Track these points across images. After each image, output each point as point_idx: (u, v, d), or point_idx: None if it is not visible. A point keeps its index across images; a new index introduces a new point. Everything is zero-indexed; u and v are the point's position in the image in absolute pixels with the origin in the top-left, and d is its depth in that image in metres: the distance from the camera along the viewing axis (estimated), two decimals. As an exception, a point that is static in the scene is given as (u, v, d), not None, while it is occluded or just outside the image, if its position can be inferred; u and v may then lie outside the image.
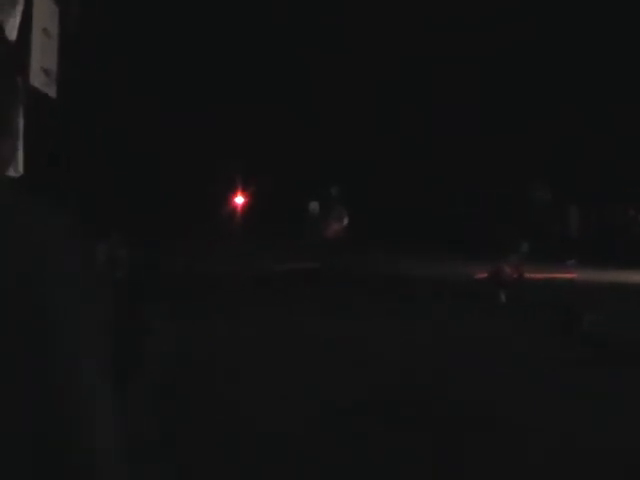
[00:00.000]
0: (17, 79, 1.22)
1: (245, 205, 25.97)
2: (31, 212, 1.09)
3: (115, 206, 19.10)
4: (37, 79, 9.01)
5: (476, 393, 7.09)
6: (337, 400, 6.71)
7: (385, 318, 10.98)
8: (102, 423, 1.07)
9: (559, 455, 5.54)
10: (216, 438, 5.63)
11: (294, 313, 11.44)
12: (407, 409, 6.66)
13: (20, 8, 7.46)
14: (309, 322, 10.68)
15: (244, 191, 25.98)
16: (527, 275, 13.49)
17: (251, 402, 6.61)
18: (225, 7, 25.37)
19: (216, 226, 22.79)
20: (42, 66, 9.11)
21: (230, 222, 24.84)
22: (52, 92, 9.65)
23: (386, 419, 6.34)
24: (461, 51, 25.25)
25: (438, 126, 25.59)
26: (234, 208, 25.89)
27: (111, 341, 1.14)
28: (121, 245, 10.41)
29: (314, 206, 18.87)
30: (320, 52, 25.41)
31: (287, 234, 20.84)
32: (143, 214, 19.83)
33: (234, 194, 25.88)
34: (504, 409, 6.56)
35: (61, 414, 1.04)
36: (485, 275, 13.86)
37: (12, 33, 7.08)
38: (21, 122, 1.24)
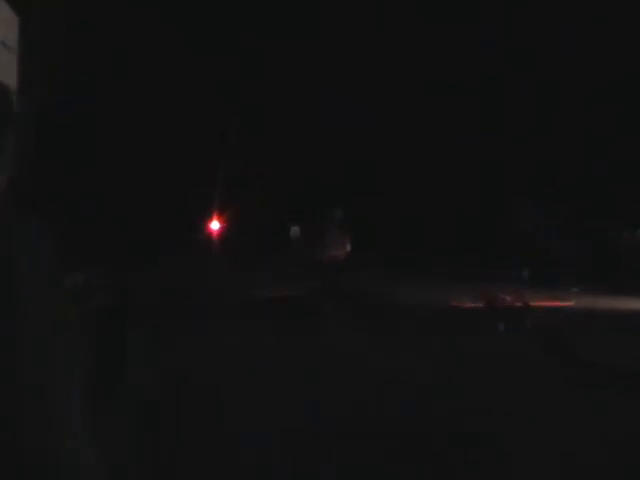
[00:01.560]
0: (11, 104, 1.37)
1: (221, 231, 25.32)
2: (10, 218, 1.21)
3: (92, 235, 18.39)
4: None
5: (470, 415, 6.99)
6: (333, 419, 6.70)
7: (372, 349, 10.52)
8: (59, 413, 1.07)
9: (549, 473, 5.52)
10: (201, 453, 5.61)
11: (277, 335, 11.35)
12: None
13: None
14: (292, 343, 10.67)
15: (220, 217, 25.34)
16: (531, 303, 12.67)
17: (238, 421, 6.55)
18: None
19: (193, 253, 22.13)
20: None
21: (207, 248, 24.17)
22: (11, 110, 8.79)
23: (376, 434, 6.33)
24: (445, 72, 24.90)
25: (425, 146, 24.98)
26: (209, 234, 25.24)
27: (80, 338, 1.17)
28: (99, 273, 10.60)
29: (295, 230, 18.18)
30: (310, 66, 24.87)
31: (269, 260, 20.23)
32: (120, 242, 19.13)
33: (210, 220, 25.20)
34: (494, 434, 6.35)
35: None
36: (480, 304, 12.97)
37: None
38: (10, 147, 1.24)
